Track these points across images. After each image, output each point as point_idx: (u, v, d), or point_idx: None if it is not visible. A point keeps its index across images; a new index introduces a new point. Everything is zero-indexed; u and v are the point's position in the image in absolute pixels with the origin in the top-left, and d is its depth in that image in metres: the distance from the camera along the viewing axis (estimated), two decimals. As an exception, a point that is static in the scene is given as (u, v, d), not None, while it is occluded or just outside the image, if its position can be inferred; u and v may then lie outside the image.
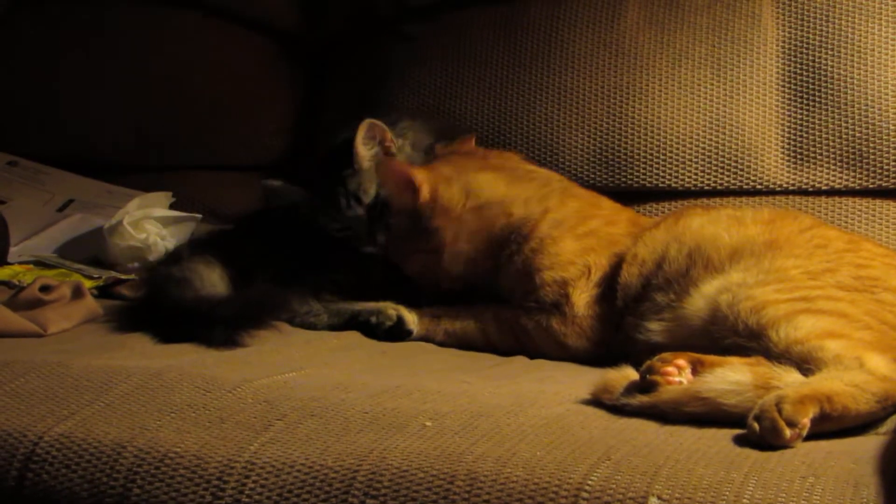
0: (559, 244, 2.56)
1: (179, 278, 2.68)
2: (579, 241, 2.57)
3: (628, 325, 2.42)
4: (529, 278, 2.56)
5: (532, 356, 2.51)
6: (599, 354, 2.44)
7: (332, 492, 1.78)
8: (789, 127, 2.88)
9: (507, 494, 1.71)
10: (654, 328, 2.34)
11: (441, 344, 2.60)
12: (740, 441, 1.83)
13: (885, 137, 2.79)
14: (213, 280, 2.73)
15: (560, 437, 1.84)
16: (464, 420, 1.91)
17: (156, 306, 2.60)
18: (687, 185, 2.91)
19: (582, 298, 2.51)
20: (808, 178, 2.85)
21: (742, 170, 2.88)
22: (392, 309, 2.61)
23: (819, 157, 2.84)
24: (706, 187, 2.88)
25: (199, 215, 3.14)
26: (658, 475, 1.70)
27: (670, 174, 2.90)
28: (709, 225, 2.43)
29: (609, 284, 2.51)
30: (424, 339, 2.61)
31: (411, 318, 2.61)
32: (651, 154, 2.93)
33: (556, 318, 2.52)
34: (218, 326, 2.44)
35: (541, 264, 2.55)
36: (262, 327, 2.50)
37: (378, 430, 1.89)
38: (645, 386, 1.99)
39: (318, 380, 2.15)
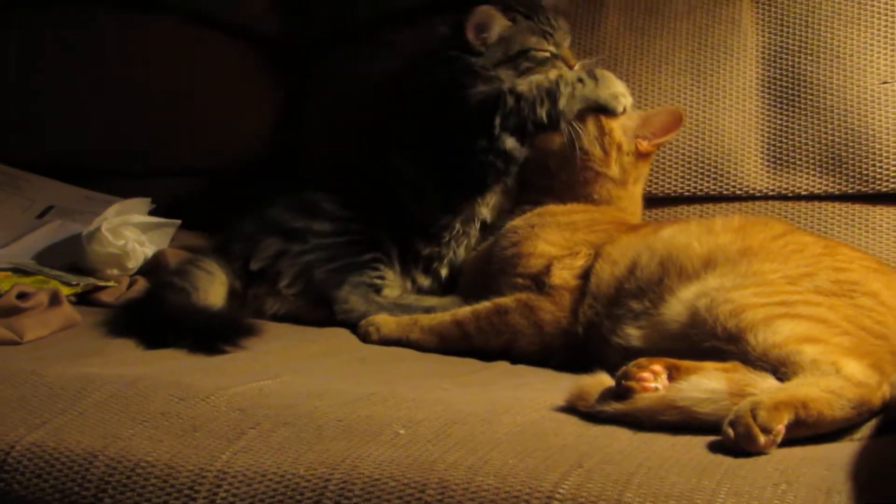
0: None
1: (179, 287, 2.71)
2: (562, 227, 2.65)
3: (604, 330, 2.42)
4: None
5: (505, 347, 2.53)
6: (571, 343, 2.47)
7: (303, 501, 1.77)
8: (769, 132, 2.88)
9: (479, 503, 1.70)
10: (633, 333, 2.34)
11: (417, 342, 2.61)
12: (714, 448, 1.83)
13: (864, 143, 2.79)
14: (213, 291, 2.76)
15: (533, 444, 1.84)
16: (437, 428, 1.90)
17: (147, 311, 2.62)
18: (667, 191, 2.91)
19: (563, 275, 2.54)
20: (787, 183, 2.85)
21: (722, 175, 2.87)
22: None
23: (799, 162, 2.84)
24: (686, 193, 2.88)
25: (179, 221, 3.14)
26: (630, 483, 1.70)
27: (650, 180, 2.89)
28: (679, 234, 2.44)
29: (586, 274, 2.54)
30: (400, 339, 2.62)
31: None
32: (631, 160, 2.92)
33: (536, 293, 2.55)
34: (201, 336, 2.45)
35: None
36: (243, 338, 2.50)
37: (351, 438, 1.88)
38: (620, 392, 1.98)
39: (293, 387, 2.15)
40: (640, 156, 2.78)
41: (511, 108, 2.75)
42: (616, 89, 2.76)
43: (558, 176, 2.78)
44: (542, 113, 2.74)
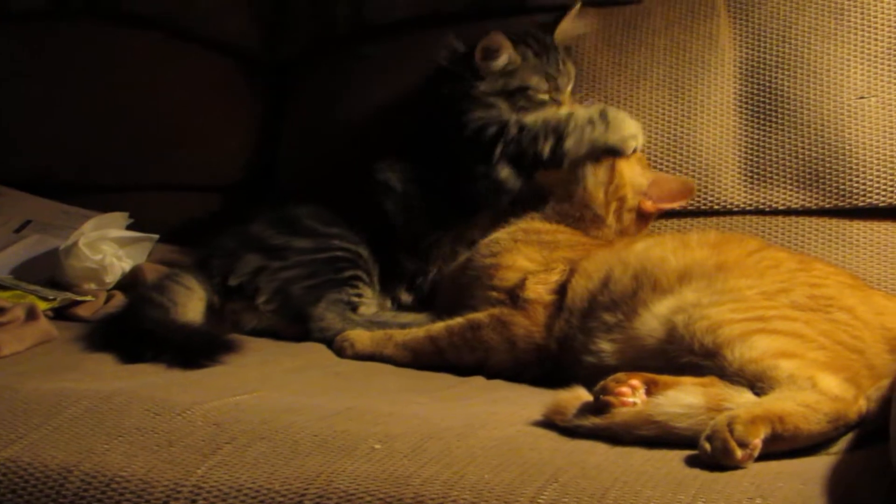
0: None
1: (157, 302, 2.70)
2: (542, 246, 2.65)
3: (578, 344, 2.42)
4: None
5: (479, 363, 2.53)
6: (545, 358, 2.48)
7: (279, 516, 1.77)
8: (746, 147, 2.88)
9: (454, 518, 1.70)
10: (606, 348, 2.34)
11: (390, 358, 2.61)
12: (691, 462, 1.83)
13: (841, 158, 2.80)
14: (191, 306, 2.76)
15: (509, 459, 1.83)
16: (414, 442, 1.90)
17: (125, 326, 2.61)
18: (645, 205, 2.91)
19: (537, 289, 2.54)
20: (764, 198, 2.85)
21: (699, 190, 2.87)
22: None
23: (776, 177, 2.85)
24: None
25: (156, 235, 3.13)
26: (606, 497, 1.70)
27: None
28: (654, 248, 2.45)
29: (562, 290, 2.54)
30: (373, 354, 2.62)
31: None
32: (609, 175, 2.92)
33: (510, 308, 2.55)
34: (181, 351, 2.45)
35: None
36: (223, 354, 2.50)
37: (327, 453, 1.88)
38: (598, 407, 1.98)
39: (269, 402, 2.14)
40: (642, 215, 2.78)
41: (513, 138, 2.76)
42: (626, 132, 2.75)
43: (554, 203, 2.78)
44: (546, 148, 2.74)
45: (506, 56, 2.83)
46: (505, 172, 2.77)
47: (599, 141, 2.74)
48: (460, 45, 2.91)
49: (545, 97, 2.85)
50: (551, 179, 2.79)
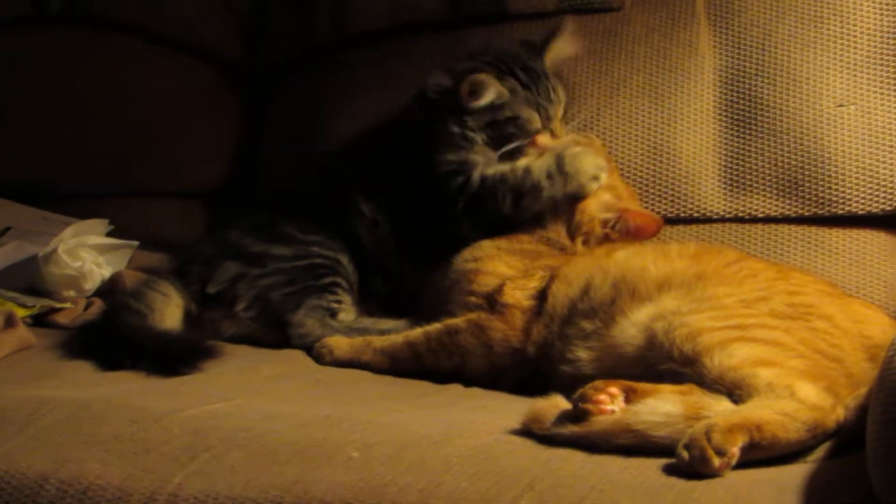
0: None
1: (135, 309, 2.69)
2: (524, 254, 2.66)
3: (555, 351, 2.42)
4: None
5: (456, 368, 2.53)
6: (521, 364, 2.48)
7: (255, 524, 1.77)
8: (726, 155, 2.88)
9: (431, 526, 1.70)
10: (583, 356, 2.34)
11: (369, 364, 2.61)
12: (669, 470, 1.83)
13: (820, 166, 2.80)
14: (168, 313, 2.75)
15: (486, 467, 1.83)
16: (391, 451, 1.90)
17: (103, 333, 2.61)
18: (624, 213, 2.91)
19: (515, 294, 2.54)
20: (744, 206, 2.85)
21: (679, 198, 2.88)
22: None
23: (755, 185, 2.85)
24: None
25: (136, 242, 3.12)
26: (582, 505, 1.70)
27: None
28: (634, 257, 2.45)
29: (542, 296, 2.54)
30: (352, 361, 2.62)
31: None
32: (589, 182, 2.92)
33: (487, 312, 2.55)
34: (161, 359, 2.45)
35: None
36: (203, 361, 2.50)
37: (304, 461, 1.87)
38: (577, 414, 1.98)
39: (247, 410, 2.13)
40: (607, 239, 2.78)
41: (475, 193, 2.76)
42: (584, 178, 2.72)
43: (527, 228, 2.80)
44: (505, 206, 2.73)
45: (493, 92, 2.81)
46: (466, 228, 2.77)
47: (558, 194, 2.72)
48: (447, 79, 2.90)
49: (537, 125, 2.85)
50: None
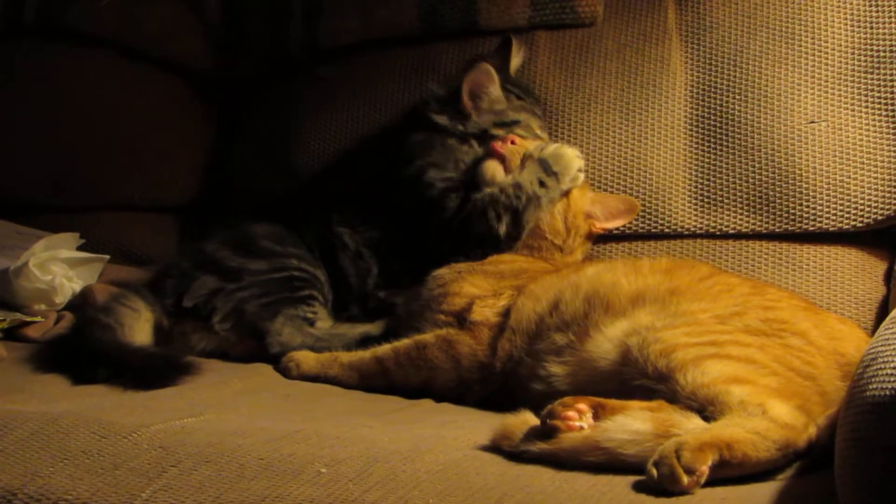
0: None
1: (105, 324, 2.68)
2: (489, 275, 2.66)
3: (524, 368, 2.42)
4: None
5: (424, 383, 2.53)
6: (488, 379, 2.48)
7: (222, 540, 1.76)
8: (697, 171, 2.89)
9: (398, 543, 1.70)
10: (557, 371, 2.32)
11: (335, 378, 2.61)
12: (638, 487, 1.83)
13: (791, 182, 2.80)
14: (137, 328, 2.75)
15: (454, 484, 1.83)
16: (360, 466, 1.89)
17: (74, 348, 2.60)
18: (596, 228, 2.91)
19: (484, 311, 2.55)
20: (715, 221, 2.86)
21: (650, 213, 2.88)
22: None
23: (726, 200, 2.85)
24: (615, 230, 2.88)
25: (107, 256, 3.12)
26: (551, 523, 1.70)
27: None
28: (605, 273, 2.45)
29: (507, 312, 2.54)
30: (318, 376, 2.62)
31: None
32: (560, 197, 2.93)
33: (456, 328, 2.56)
34: (138, 374, 2.45)
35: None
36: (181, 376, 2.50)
37: (272, 476, 1.87)
38: (545, 431, 1.98)
39: (216, 425, 2.13)
40: (589, 236, 2.82)
41: (468, 214, 2.77)
42: (573, 171, 2.76)
43: None
44: (501, 228, 2.75)
45: (493, 93, 2.86)
46: (449, 248, 2.78)
47: (556, 196, 2.75)
48: (440, 89, 2.91)
49: (537, 131, 2.90)
50: None
